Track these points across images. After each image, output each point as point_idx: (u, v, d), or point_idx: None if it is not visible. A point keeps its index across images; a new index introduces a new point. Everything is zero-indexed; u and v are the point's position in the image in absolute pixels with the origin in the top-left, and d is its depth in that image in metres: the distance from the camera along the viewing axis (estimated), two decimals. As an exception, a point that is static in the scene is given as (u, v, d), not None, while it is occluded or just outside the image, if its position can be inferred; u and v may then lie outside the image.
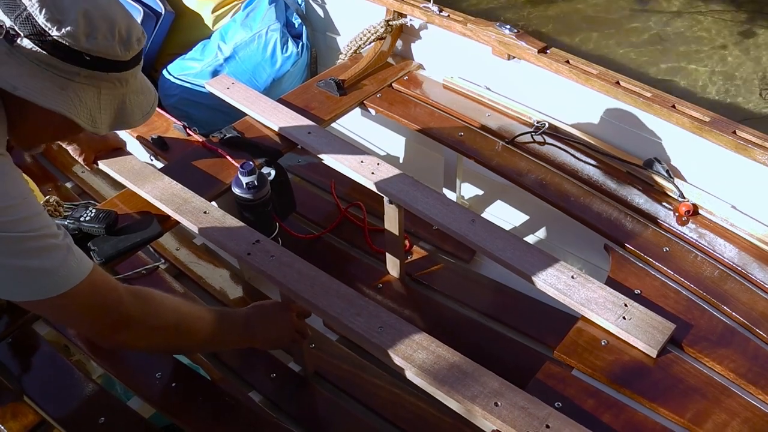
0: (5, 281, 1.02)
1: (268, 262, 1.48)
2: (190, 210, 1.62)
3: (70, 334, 1.57)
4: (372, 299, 1.91)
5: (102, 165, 1.78)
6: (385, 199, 1.75)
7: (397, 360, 1.30)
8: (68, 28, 0.98)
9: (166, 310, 1.24)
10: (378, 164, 1.80)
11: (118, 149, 1.83)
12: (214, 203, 1.74)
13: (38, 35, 0.98)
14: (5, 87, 0.96)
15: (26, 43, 0.98)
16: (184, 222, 1.61)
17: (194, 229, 1.60)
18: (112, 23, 1.03)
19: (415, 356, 1.30)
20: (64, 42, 0.99)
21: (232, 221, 1.60)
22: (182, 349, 1.47)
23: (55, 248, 1.03)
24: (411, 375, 1.30)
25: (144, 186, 1.69)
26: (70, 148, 1.76)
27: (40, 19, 0.97)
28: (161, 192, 1.67)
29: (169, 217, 1.67)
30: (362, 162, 1.81)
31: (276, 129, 1.98)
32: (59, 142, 1.71)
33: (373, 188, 1.76)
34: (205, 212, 1.62)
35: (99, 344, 1.43)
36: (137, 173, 1.74)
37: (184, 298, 1.61)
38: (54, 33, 0.98)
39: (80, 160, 1.78)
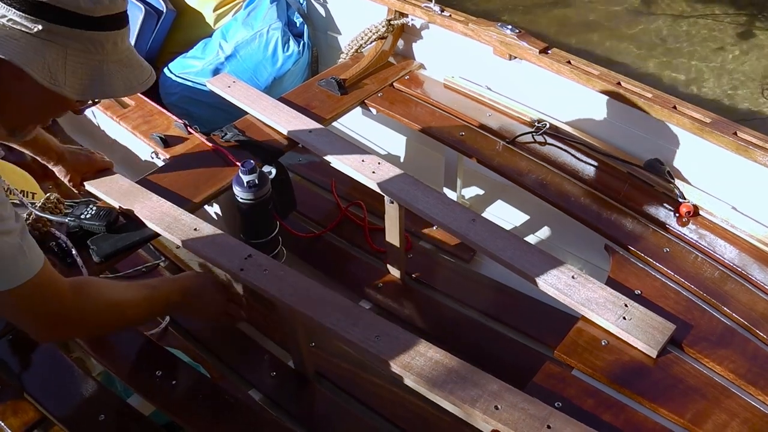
0: None
1: (262, 277, 1.47)
2: (180, 228, 1.60)
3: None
4: (372, 299, 1.93)
5: (89, 186, 1.76)
6: (386, 198, 1.75)
7: (396, 368, 1.30)
8: None
9: (104, 306, 1.29)
10: (379, 163, 1.80)
11: (105, 170, 1.80)
12: (215, 211, 1.73)
13: None
14: None
15: None
16: (176, 241, 1.59)
17: (185, 248, 1.59)
18: None
19: (413, 363, 1.29)
20: None
21: (224, 237, 1.57)
22: (115, 332, 1.56)
23: (6, 246, 1.04)
24: (410, 382, 1.30)
25: (133, 206, 1.67)
26: (56, 170, 1.73)
27: None
28: (150, 211, 1.65)
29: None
30: (363, 161, 1.81)
31: (277, 128, 1.98)
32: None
33: (374, 187, 1.76)
34: (195, 229, 1.59)
35: (34, 338, 1.44)
36: (125, 193, 1.71)
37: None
38: None
39: (66, 181, 1.76)
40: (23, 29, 0.96)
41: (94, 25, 1.00)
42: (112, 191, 1.73)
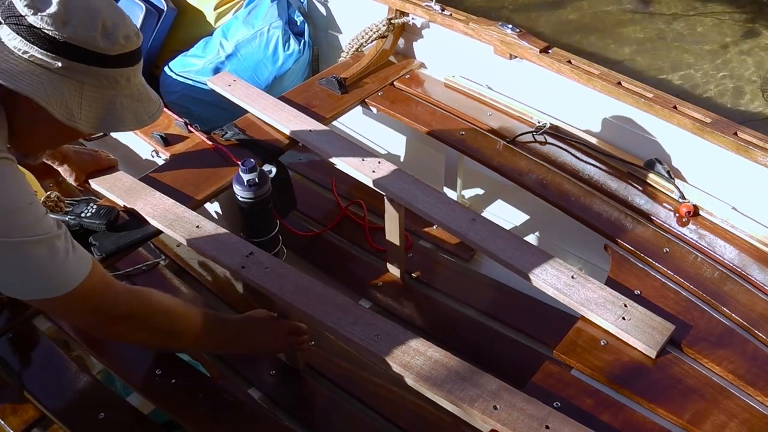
0: (11, 281, 1.06)
1: (263, 275, 1.48)
2: (182, 225, 1.61)
3: (68, 328, 1.57)
4: (372, 298, 1.93)
5: (93, 184, 1.76)
6: (386, 197, 1.75)
7: (396, 367, 1.30)
8: (45, 13, 0.99)
9: (160, 312, 1.28)
10: (379, 163, 1.80)
11: (110, 168, 1.81)
12: (216, 209, 1.74)
13: (16, 18, 0.99)
14: None
15: (5, 30, 1.00)
16: (178, 238, 1.60)
17: (187, 245, 1.60)
18: (94, 13, 1.03)
19: (413, 362, 1.30)
20: (40, 27, 0.99)
21: (225, 234, 1.58)
22: (171, 348, 1.50)
23: (57, 252, 1.07)
24: (410, 381, 1.30)
25: (136, 203, 1.68)
26: (61, 169, 1.74)
27: (20, 5, 0.99)
28: (153, 208, 1.66)
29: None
30: (363, 160, 1.81)
31: (277, 127, 1.98)
32: (55, 157, 1.70)
33: (374, 187, 1.76)
34: (197, 226, 1.60)
35: (91, 335, 1.48)
36: (129, 190, 1.72)
37: (182, 299, 1.65)
38: (30, 17, 0.99)
39: (71, 180, 1.77)
40: (44, 65, 1.01)
41: (110, 63, 1.05)
42: (116, 188, 1.74)
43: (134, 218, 1.67)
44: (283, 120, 1.98)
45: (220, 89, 2.12)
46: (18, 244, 1.01)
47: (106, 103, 1.08)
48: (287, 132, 1.95)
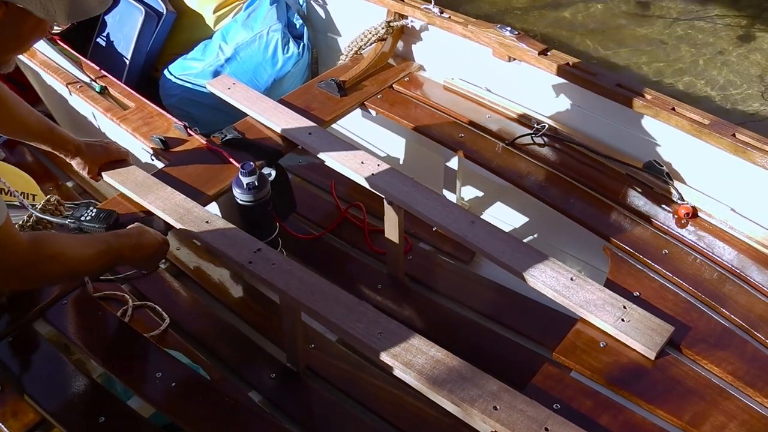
0: None
1: (270, 270, 1.49)
2: (192, 220, 1.63)
3: (69, 332, 1.57)
4: (372, 300, 1.93)
5: (106, 177, 1.79)
6: (385, 200, 1.76)
7: (397, 365, 1.31)
8: None
9: (58, 258, 1.33)
10: (378, 165, 1.81)
11: (122, 161, 1.84)
12: (216, 212, 1.75)
13: None
14: None
15: None
16: (186, 233, 1.62)
17: (196, 239, 1.62)
18: None
19: (415, 361, 1.30)
20: None
21: (234, 230, 1.60)
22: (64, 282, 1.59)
23: None
24: (411, 380, 1.31)
25: (147, 197, 1.70)
26: (73, 162, 1.77)
27: None
28: (164, 202, 1.68)
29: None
30: (362, 163, 1.82)
31: (277, 129, 1.98)
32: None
33: (373, 189, 1.76)
34: (207, 222, 1.62)
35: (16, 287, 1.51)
36: (140, 184, 1.75)
37: (180, 301, 1.79)
38: None
39: (84, 173, 1.80)
40: None
41: None
42: (128, 181, 1.76)
43: (133, 221, 1.67)
44: (282, 123, 1.98)
45: (219, 92, 2.13)
46: None
47: None
48: (287, 135, 1.96)
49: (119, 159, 1.84)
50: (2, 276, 1.27)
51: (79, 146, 1.74)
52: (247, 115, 2.07)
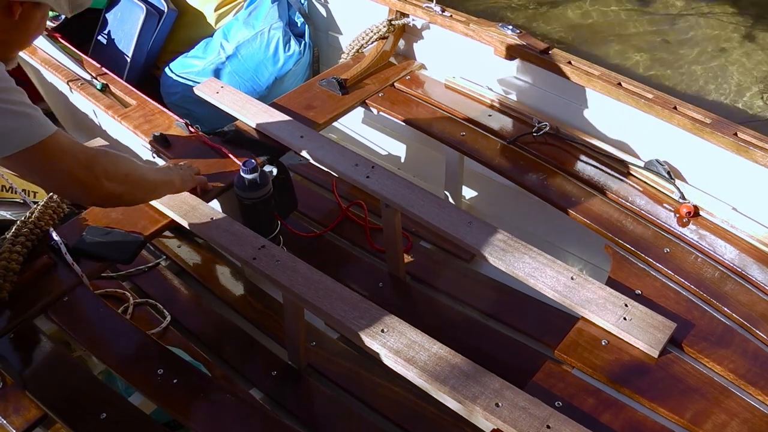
0: None
1: (274, 267, 1.50)
2: (197, 216, 1.64)
3: (68, 328, 1.56)
4: (373, 298, 1.92)
5: None
6: (381, 202, 1.75)
7: (399, 362, 1.31)
8: None
9: (125, 159, 1.41)
10: (373, 167, 1.80)
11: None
12: (219, 209, 1.75)
13: None
14: None
15: None
16: (192, 229, 1.63)
17: (201, 235, 1.63)
18: None
19: (417, 358, 1.30)
20: None
21: (238, 227, 1.61)
22: (146, 195, 1.57)
23: (26, 115, 1.18)
24: (413, 376, 1.31)
25: None
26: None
27: None
28: (169, 199, 1.68)
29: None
30: (356, 165, 1.81)
31: (267, 134, 1.96)
32: None
33: (369, 192, 1.76)
34: (211, 218, 1.63)
35: (87, 200, 1.49)
36: None
37: (181, 298, 1.79)
38: None
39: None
40: None
41: None
42: None
43: (118, 236, 1.67)
44: (272, 127, 1.95)
45: (207, 97, 2.09)
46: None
47: None
48: (276, 139, 1.93)
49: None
50: (95, 177, 1.31)
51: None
52: (246, 113, 2.06)
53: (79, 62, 2.26)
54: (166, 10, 2.56)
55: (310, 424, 1.57)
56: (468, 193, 2.44)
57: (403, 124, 2.14)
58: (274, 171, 1.87)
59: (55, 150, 1.23)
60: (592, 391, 1.36)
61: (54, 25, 2.48)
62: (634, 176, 1.87)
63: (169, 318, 1.78)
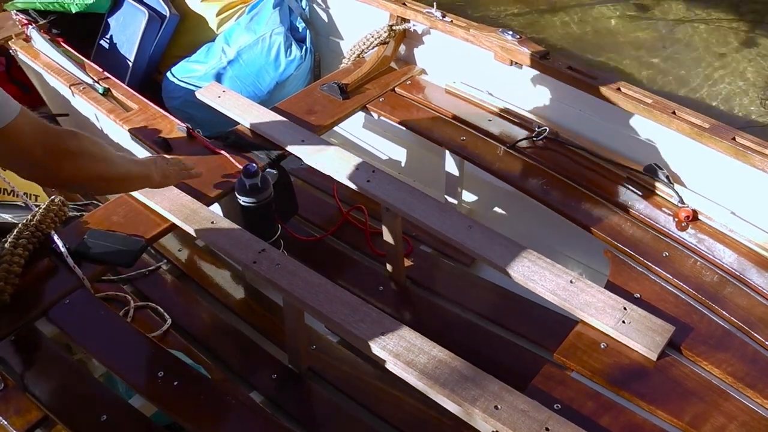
0: None
1: (274, 271, 1.50)
2: (197, 220, 1.65)
3: (70, 330, 1.56)
4: (373, 302, 1.93)
5: None
6: (382, 206, 1.76)
7: (399, 365, 1.31)
8: None
9: (93, 142, 1.32)
10: (373, 171, 1.80)
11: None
12: (220, 213, 1.76)
13: None
14: None
15: None
16: (192, 232, 1.63)
17: (202, 238, 1.63)
18: None
19: (417, 361, 1.31)
20: None
21: (239, 231, 1.62)
22: (112, 182, 1.46)
23: None
24: (412, 379, 1.31)
25: (154, 197, 1.71)
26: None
27: None
28: (170, 203, 1.69)
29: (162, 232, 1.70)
30: (357, 170, 1.82)
31: (268, 138, 1.97)
32: None
33: (369, 196, 1.77)
34: (212, 222, 1.64)
35: (47, 181, 1.46)
36: None
37: (182, 302, 1.74)
38: None
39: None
40: None
41: None
42: None
43: (119, 239, 1.67)
44: (274, 132, 1.97)
45: (209, 101, 2.10)
46: None
47: None
48: (278, 143, 1.95)
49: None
50: (57, 158, 1.24)
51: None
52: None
53: (82, 66, 2.27)
54: (168, 15, 2.58)
55: (311, 427, 1.57)
56: (468, 197, 2.45)
57: (404, 128, 2.15)
58: (275, 175, 1.88)
59: (16, 132, 1.16)
60: (591, 394, 1.36)
61: (57, 31, 2.50)
62: (633, 180, 1.87)
63: (169, 321, 1.78)
